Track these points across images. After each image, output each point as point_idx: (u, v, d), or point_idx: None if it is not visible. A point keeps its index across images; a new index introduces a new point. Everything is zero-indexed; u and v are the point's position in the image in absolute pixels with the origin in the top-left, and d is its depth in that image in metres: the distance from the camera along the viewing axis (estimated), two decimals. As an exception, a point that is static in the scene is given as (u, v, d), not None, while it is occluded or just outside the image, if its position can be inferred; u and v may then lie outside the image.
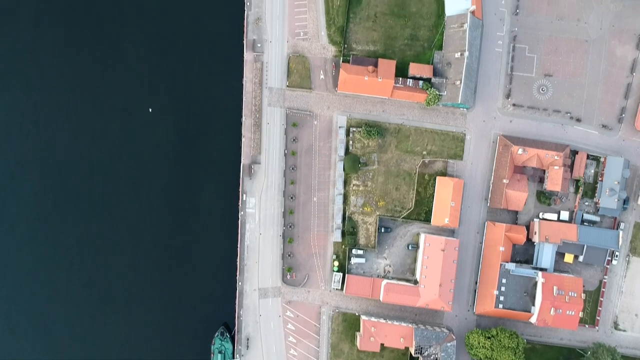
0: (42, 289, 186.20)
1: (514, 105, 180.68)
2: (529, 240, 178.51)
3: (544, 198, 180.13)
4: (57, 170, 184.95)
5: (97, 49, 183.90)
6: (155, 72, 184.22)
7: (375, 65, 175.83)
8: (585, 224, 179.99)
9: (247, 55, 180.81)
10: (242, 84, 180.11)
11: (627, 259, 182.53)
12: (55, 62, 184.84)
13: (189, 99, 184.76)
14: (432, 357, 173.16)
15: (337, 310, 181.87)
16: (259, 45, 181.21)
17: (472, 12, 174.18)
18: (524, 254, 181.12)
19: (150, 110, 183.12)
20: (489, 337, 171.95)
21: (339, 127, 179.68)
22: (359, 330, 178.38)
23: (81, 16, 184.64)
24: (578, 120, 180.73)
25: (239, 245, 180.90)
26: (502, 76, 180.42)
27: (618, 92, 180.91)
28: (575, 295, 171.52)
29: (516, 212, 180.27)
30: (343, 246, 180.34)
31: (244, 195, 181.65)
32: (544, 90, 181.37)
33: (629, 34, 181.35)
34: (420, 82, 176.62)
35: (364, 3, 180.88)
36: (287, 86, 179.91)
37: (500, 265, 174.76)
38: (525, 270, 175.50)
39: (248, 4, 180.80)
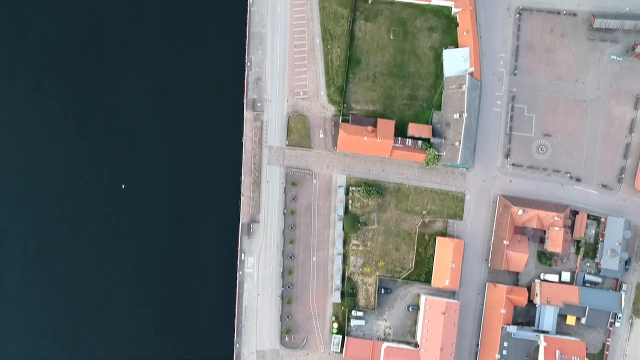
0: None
1: (513, 165, 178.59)
2: (530, 301, 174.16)
3: (545, 259, 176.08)
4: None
5: (97, 108, 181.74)
6: (155, 131, 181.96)
7: (375, 125, 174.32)
8: (587, 285, 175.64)
9: (247, 114, 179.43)
10: (242, 143, 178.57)
11: (630, 321, 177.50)
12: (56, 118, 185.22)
13: (189, 158, 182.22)
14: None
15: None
16: (259, 104, 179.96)
17: (471, 74, 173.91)
18: (525, 315, 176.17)
19: (123, 186, 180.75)
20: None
21: (339, 186, 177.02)
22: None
23: (80, 78, 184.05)
24: (578, 180, 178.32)
25: (236, 306, 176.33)
26: (501, 136, 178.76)
27: (617, 152, 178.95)
28: (579, 359, 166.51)
29: (517, 273, 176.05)
30: (342, 307, 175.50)
31: (243, 255, 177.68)
32: (543, 150, 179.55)
33: (627, 94, 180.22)
34: (420, 142, 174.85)
35: (363, 63, 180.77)
36: (287, 145, 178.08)
37: (502, 328, 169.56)
38: (526, 334, 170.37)
39: (248, 64, 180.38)
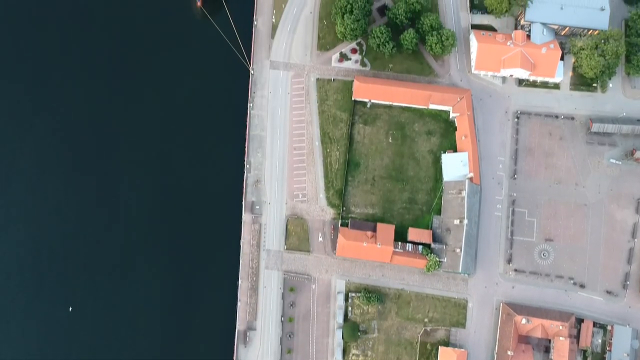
0: None
1: (515, 270, 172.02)
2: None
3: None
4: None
5: (95, 207, 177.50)
6: (153, 234, 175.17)
7: (374, 230, 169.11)
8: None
9: (246, 217, 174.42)
10: (240, 246, 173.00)
11: None
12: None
13: (186, 262, 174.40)
14: None
15: None
16: (257, 207, 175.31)
17: (470, 179, 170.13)
18: None
19: (70, 309, 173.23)
20: None
21: (338, 292, 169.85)
22: None
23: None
24: (581, 286, 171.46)
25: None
26: (503, 241, 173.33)
27: (621, 257, 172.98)
28: None
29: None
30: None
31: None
32: (546, 255, 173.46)
33: (628, 198, 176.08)
34: (420, 247, 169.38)
35: (362, 167, 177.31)
36: (285, 248, 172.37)
37: None
38: None
39: (248, 166, 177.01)
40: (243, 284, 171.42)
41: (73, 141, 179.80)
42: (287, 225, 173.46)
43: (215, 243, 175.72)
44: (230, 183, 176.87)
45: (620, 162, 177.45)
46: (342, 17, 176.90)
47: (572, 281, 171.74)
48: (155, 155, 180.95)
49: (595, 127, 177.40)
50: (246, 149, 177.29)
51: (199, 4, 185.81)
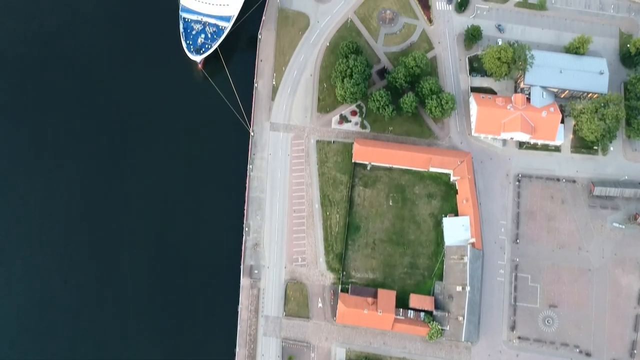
0: None
1: (519, 338, 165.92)
2: None
3: None
4: None
5: (93, 271, 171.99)
6: (148, 298, 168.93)
7: (375, 296, 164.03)
8: None
9: (244, 281, 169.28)
10: (238, 312, 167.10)
11: None
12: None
13: (181, 327, 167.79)
14: None
15: None
16: (256, 271, 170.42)
17: (472, 244, 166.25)
18: None
19: None
20: None
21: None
22: None
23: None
24: (587, 354, 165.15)
25: None
26: (506, 307, 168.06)
27: (627, 324, 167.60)
28: None
29: None
30: None
31: None
32: (550, 322, 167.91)
33: (632, 263, 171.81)
34: (422, 314, 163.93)
35: (362, 230, 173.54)
36: (284, 315, 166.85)
37: None
38: None
39: (247, 229, 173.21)
40: (240, 352, 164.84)
41: (73, 202, 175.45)
42: (286, 290, 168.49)
43: (212, 308, 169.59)
44: (228, 246, 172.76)
45: (623, 226, 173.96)
46: (342, 81, 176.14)
47: (577, 349, 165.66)
48: (153, 216, 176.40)
49: (597, 190, 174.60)
50: (245, 211, 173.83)
51: (200, 66, 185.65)
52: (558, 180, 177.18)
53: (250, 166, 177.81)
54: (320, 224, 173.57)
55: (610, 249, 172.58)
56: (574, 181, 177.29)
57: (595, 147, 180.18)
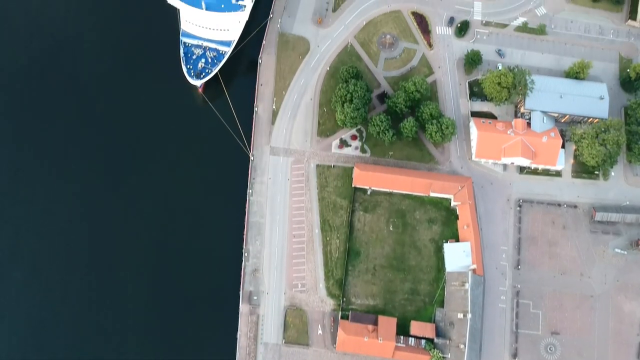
0: None
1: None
2: None
3: None
4: None
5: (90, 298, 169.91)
6: (146, 325, 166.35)
7: (375, 323, 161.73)
8: None
9: (243, 308, 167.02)
10: (236, 339, 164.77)
11: None
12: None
13: (178, 355, 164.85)
14: None
15: None
16: (255, 297, 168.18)
17: (473, 270, 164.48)
18: None
19: None
20: None
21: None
22: None
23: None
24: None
25: None
26: (507, 334, 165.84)
27: (630, 352, 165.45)
28: None
29: None
30: None
31: None
32: (552, 349, 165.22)
33: (635, 289, 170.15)
34: (423, 342, 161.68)
35: (362, 255, 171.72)
36: (284, 342, 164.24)
37: None
38: None
39: (246, 254, 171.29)
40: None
41: (73, 223, 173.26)
42: (285, 316, 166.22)
43: (210, 335, 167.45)
44: (227, 272, 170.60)
45: (625, 252, 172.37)
46: (342, 106, 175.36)
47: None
48: (151, 240, 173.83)
49: (599, 216, 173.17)
50: (245, 236, 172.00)
51: (200, 90, 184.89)
52: (559, 205, 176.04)
53: (250, 190, 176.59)
54: (320, 249, 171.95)
55: (613, 275, 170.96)
56: (575, 206, 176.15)
57: (597, 172, 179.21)
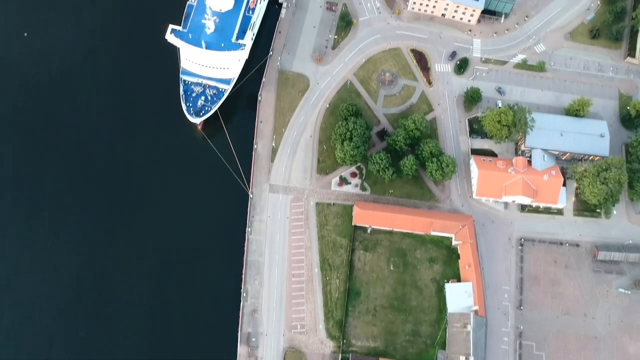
0: None
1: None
2: None
3: None
4: None
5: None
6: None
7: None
8: None
9: (241, 350, 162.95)
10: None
11: None
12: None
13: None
14: None
15: None
16: (253, 339, 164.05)
17: (475, 312, 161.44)
18: None
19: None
20: None
21: None
22: None
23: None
24: None
25: None
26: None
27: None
28: None
29: None
30: None
31: None
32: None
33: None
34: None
35: (363, 296, 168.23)
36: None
37: None
38: None
39: (244, 294, 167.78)
40: None
41: (70, 268, 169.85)
42: (284, 359, 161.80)
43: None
44: (225, 312, 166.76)
45: (629, 292, 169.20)
46: (342, 144, 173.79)
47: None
48: (149, 279, 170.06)
49: (602, 255, 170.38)
50: (243, 276, 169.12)
51: (199, 127, 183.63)
52: (561, 244, 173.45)
53: (249, 229, 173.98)
54: (319, 289, 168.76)
55: (617, 316, 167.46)
56: (578, 245, 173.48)
57: (598, 210, 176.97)
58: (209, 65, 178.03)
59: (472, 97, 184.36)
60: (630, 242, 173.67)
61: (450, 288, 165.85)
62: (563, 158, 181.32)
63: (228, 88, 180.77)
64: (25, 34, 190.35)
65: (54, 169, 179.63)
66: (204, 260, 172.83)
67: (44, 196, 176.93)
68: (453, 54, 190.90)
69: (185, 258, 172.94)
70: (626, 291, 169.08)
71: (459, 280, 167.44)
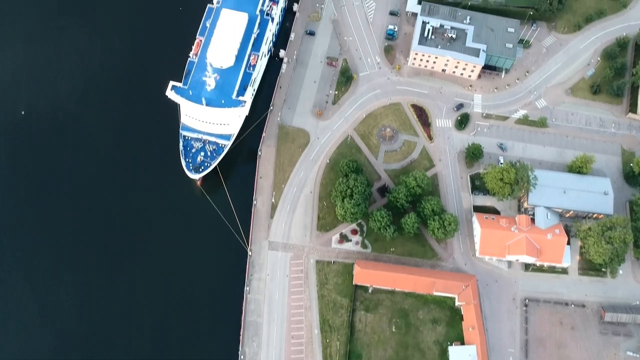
0: None
1: None
2: None
3: None
4: None
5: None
6: None
7: None
8: None
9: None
10: None
11: None
12: None
13: None
14: None
15: None
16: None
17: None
18: None
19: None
20: None
21: None
22: None
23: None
24: None
25: None
26: None
27: None
28: None
29: None
30: None
31: None
32: None
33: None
34: None
35: (364, 358, 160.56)
36: None
37: None
38: None
39: (242, 357, 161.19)
40: None
41: (68, 316, 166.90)
42: None
43: None
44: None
45: (638, 355, 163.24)
46: (342, 201, 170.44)
47: None
48: (143, 339, 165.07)
49: (608, 316, 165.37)
50: (241, 337, 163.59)
51: (198, 183, 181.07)
52: (567, 304, 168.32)
53: (248, 288, 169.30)
54: (319, 351, 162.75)
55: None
56: (584, 305, 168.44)
57: (604, 269, 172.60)
58: (209, 122, 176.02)
59: (473, 153, 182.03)
60: (638, 302, 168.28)
61: (454, 351, 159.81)
62: (567, 216, 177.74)
63: (228, 144, 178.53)
64: (23, 112, 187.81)
65: (54, 222, 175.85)
66: (201, 320, 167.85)
67: (43, 250, 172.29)
68: (459, 106, 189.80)
69: (181, 317, 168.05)
70: (635, 354, 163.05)
71: (462, 343, 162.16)
